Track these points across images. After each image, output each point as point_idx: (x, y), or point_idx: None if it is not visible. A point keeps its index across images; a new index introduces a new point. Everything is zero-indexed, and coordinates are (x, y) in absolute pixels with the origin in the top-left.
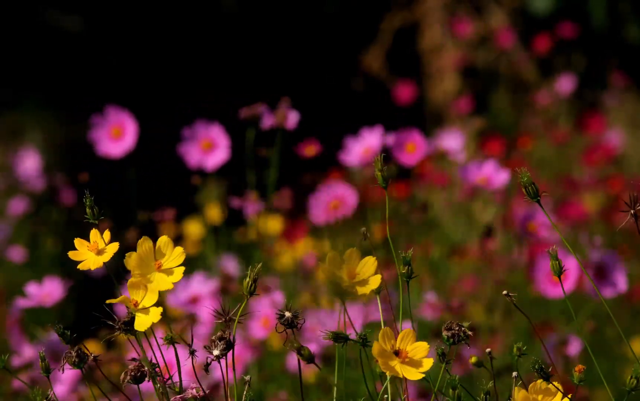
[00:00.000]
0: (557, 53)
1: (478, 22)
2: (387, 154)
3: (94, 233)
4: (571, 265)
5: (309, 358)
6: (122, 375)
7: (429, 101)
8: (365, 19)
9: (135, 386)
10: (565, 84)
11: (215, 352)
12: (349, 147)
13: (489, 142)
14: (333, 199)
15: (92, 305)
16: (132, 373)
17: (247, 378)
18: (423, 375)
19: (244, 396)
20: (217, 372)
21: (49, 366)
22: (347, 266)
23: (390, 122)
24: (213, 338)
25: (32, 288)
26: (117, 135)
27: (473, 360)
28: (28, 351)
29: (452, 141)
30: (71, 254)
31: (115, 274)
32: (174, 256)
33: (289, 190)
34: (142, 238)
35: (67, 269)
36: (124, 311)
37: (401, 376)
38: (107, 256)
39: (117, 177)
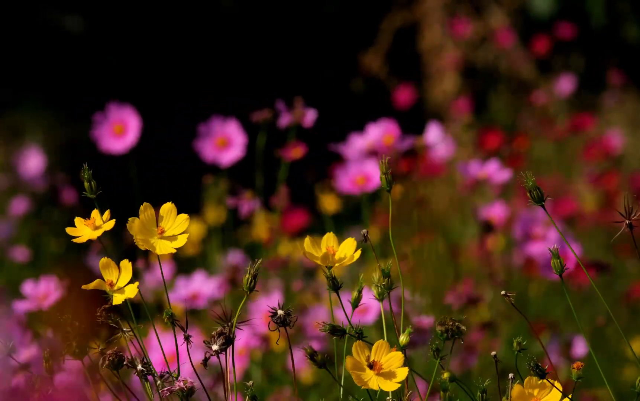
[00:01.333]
0: (557, 53)
1: (478, 22)
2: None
3: (94, 212)
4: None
5: (321, 364)
6: (100, 361)
7: (429, 101)
8: (365, 19)
9: (139, 383)
10: (564, 83)
11: (215, 347)
12: (350, 141)
13: (487, 136)
14: (361, 174)
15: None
16: (111, 358)
17: (250, 383)
18: (399, 386)
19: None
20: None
21: (52, 366)
22: (326, 245)
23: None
24: (213, 333)
25: (28, 288)
26: (119, 132)
27: (445, 375)
28: (28, 350)
29: (433, 134)
30: (69, 230)
31: (110, 253)
32: (178, 222)
33: (287, 188)
34: (144, 204)
35: (69, 269)
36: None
37: (376, 389)
38: (101, 231)
39: (117, 177)
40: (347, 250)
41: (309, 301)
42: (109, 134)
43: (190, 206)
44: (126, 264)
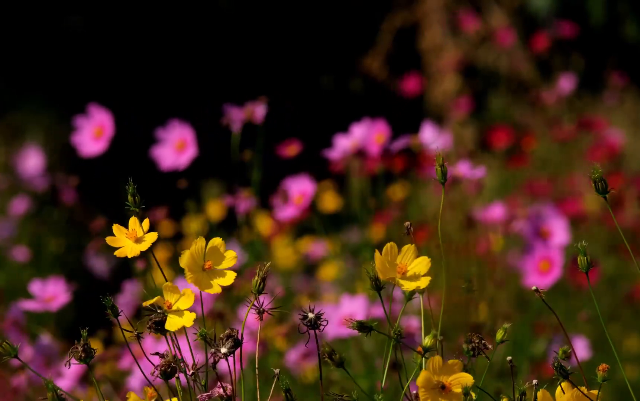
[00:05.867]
0: (557, 52)
1: (478, 22)
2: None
3: (132, 220)
4: (555, 255)
5: (339, 363)
6: (152, 370)
7: (429, 101)
8: (365, 20)
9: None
10: (564, 83)
11: (223, 350)
12: (335, 143)
13: (493, 134)
14: (297, 194)
15: (93, 304)
16: (163, 369)
17: (277, 370)
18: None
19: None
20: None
21: (70, 361)
22: (401, 260)
23: (390, 123)
24: (221, 336)
25: (35, 287)
26: (98, 135)
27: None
28: (26, 351)
29: (427, 133)
30: (109, 240)
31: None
32: (227, 259)
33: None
34: (198, 238)
35: (69, 269)
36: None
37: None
38: (145, 245)
39: (118, 178)
40: (420, 267)
41: (305, 301)
42: (89, 138)
43: (189, 206)
44: (189, 292)
